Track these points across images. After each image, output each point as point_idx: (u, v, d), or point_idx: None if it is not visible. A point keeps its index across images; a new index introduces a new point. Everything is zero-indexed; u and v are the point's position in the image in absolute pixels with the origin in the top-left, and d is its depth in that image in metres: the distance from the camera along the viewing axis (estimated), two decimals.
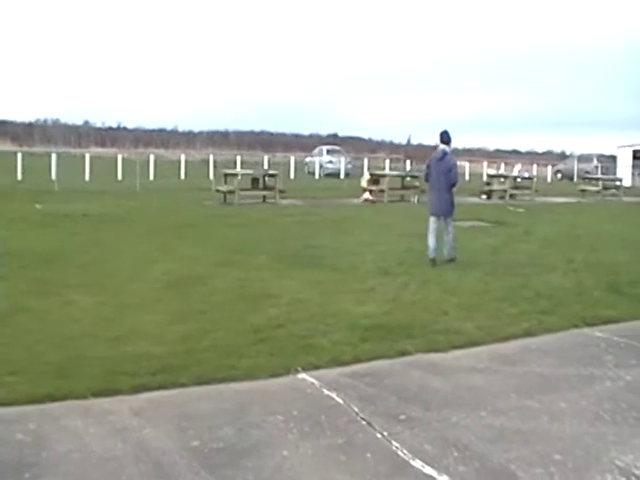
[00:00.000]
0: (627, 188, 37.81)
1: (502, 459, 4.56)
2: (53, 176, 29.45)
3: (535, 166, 47.27)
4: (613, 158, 52.86)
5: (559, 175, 54.57)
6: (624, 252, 13.90)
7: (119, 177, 33.41)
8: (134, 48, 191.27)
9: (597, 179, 36.25)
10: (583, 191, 33.04)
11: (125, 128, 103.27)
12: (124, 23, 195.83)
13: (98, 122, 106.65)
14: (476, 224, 18.32)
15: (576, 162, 53.31)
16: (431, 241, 12.05)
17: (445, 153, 12.23)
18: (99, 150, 67.89)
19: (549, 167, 52.68)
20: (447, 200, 12.27)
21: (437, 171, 12.22)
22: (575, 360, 6.82)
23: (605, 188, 33.48)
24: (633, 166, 49.66)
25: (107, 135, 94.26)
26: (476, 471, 4.40)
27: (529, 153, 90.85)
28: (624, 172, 46.06)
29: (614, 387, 6.08)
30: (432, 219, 12.27)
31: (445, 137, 12.38)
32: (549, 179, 48.78)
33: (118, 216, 17.92)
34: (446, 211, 12.25)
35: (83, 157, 34.67)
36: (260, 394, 5.67)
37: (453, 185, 12.25)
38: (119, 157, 35.66)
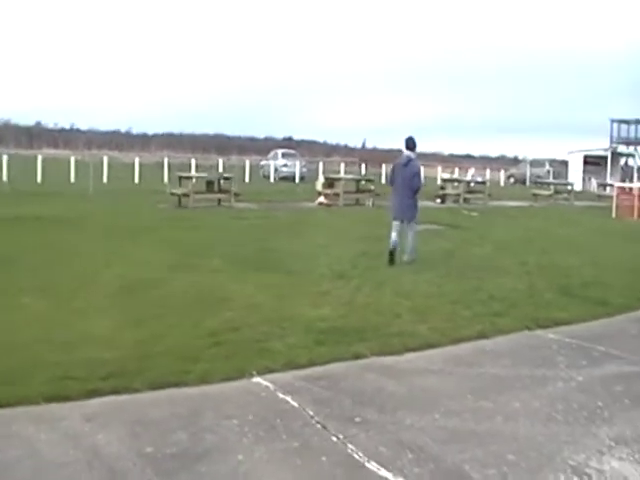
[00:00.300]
0: (578, 192, 38.50)
1: (456, 460, 4.59)
2: (4, 178, 28.98)
3: (488, 170, 47.90)
4: (565, 163, 53.88)
5: (512, 179, 55.32)
6: (575, 255, 14.13)
7: (72, 179, 33.01)
8: (87, 48, 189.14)
9: (549, 183, 36.90)
10: (535, 195, 33.52)
11: (78, 130, 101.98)
12: (77, 22, 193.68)
13: (50, 123, 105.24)
14: (431, 227, 18.43)
15: (528, 167, 54.10)
16: (393, 235, 12.38)
17: (410, 159, 12.57)
18: (52, 152, 66.94)
19: (502, 171, 53.34)
20: (409, 205, 12.59)
21: (402, 176, 12.54)
22: (528, 361, 6.91)
23: (557, 192, 34.07)
24: (584, 171, 50.67)
25: (60, 136, 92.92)
26: (431, 472, 4.42)
27: (482, 158, 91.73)
28: (575, 177, 46.97)
29: (566, 388, 6.16)
30: (394, 223, 12.58)
31: (410, 143, 12.70)
32: (502, 183, 49.38)
33: (71, 219, 17.67)
34: (408, 216, 12.57)
35: (35, 159, 34.18)
36: (215, 398, 5.64)
37: (416, 191, 12.58)
38: (72, 159, 35.21)
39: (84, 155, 48.17)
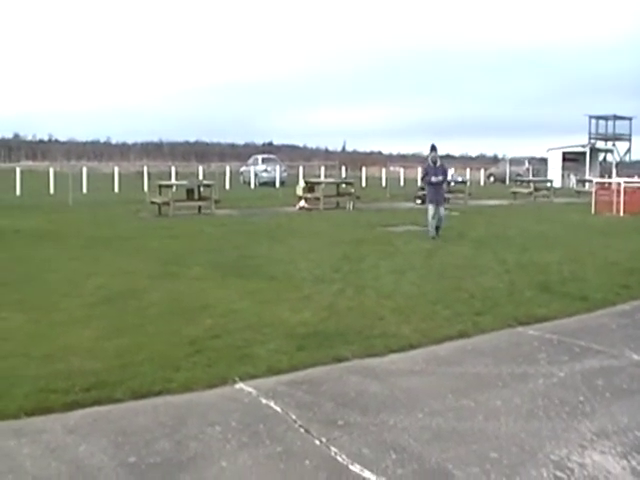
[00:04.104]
0: (557, 189, 38.80)
1: (439, 459, 4.60)
2: None
3: (468, 170, 48.06)
4: (544, 161, 54.27)
5: (492, 178, 55.63)
6: (554, 251, 14.23)
7: (51, 191, 32.86)
8: (64, 59, 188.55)
9: (528, 181, 37.11)
10: (515, 193, 33.72)
11: (57, 141, 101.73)
12: (53, 34, 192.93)
13: (29, 135, 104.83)
14: (411, 228, 18.54)
15: (508, 165, 54.46)
16: (431, 223, 16.89)
17: (436, 160, 17.36)
18: (30, 164, 66.66)
19: (482, 170, 53.61)
20: (442, 193, 17.79)
21: (435, 173, 17.21)
22: (510, 359, 6.93)
23: (536, 190, 34.27)
24: (563, 168, 51.03)
25: (38, 148, 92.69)
26: (414, 472, 4.43)
27: (463, 157, 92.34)
28: (554, 174, 47.27)
29: (547, 384, 6.20)
30: (430, 206, 17.05)
31: (434, 148, 17.59)
32: (482, 182, 49.59)
33: (51, 231, 17.58)
34: (442, 200, 17.47)
35: (14, 171, 33.98)
36: (197, 406, 5.62)
37: (444, 182, 18.24)
38: (51, 170, 35.04)
39: (63, 166, 47.97)
